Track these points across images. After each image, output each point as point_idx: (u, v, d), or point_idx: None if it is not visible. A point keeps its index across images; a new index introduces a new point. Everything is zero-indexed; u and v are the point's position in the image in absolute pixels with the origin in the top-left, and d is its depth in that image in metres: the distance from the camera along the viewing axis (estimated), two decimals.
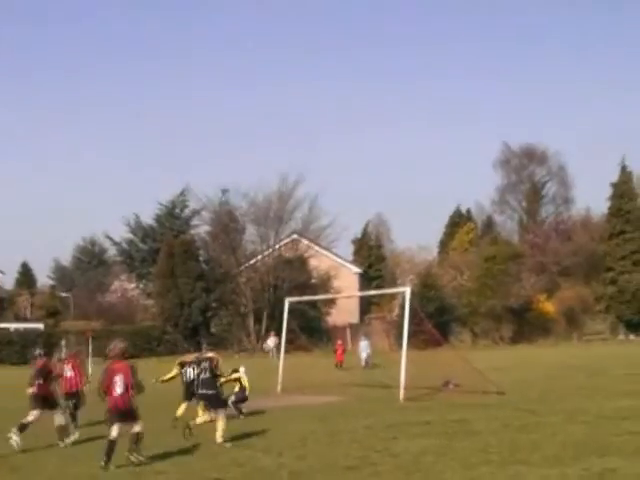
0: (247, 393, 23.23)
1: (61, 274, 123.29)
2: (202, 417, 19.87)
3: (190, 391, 22.15)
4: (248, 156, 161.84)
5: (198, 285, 75.73)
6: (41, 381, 19.20)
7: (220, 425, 18.25)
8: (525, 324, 79.88)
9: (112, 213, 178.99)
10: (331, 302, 77.49)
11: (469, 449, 15.73)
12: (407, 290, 30.04)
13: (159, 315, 77.55)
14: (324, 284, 79.51)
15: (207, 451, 16.82)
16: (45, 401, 19.20)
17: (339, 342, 51.30)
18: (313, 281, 79.90)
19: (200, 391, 19.17)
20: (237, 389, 23.38)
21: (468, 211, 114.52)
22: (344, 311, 77.97)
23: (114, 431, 15.74)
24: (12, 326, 77.07)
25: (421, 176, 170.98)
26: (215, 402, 18.77)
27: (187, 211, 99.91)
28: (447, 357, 34.76)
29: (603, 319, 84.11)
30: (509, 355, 56.35)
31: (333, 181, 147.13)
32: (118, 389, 15.78)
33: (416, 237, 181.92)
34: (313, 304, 72.23)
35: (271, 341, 37.62)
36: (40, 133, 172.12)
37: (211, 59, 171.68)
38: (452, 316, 77.12)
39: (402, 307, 44.23)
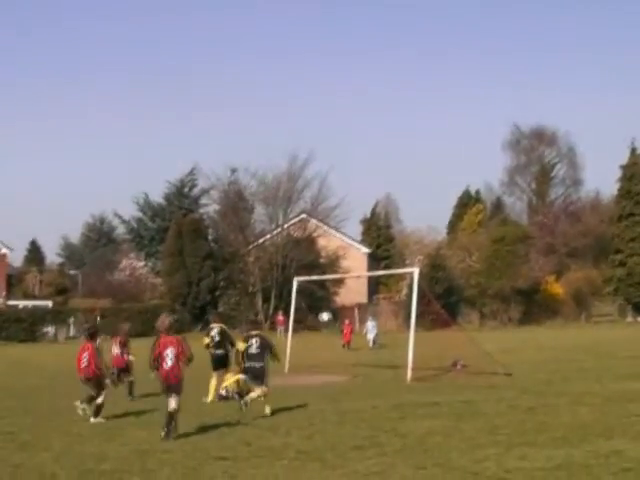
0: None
1: (70, 252, 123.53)
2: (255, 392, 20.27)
3: (215, 354, 22.67)
4: (257, 135, 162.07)
5: (206, 264, 75.90)
6: (85, 363, 19.23)
7: (257, 393, 18.98)
8: (533, 305, 79.99)
9: (121, 191, 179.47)
10: (339, 282, 77.59)
11: (476, 430, 15.73)
12: (415, 271, 30.02)
13: (167, 294, 77.81)
14: (332, 264, 79.62)
15: (214, 430, 16.84)
16: (89, 382, 19.28)
17: (347, 322, 51.17)
18: (321, 261, 79.96)
19: (247, 364, 19.46)
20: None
21: (477, 192, 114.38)
22: (352, 291, 78.07)
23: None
24: (21, 303, 77.33)
25: (430, 157, 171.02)
26: (260, 376, 19.22)
27: (196, 190, 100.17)
28: (455, 338, 34.70)
29: (611, 301, 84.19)
30: (517, 336, 56.36)
31: (342, 161, 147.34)
32: (168, 362, 16.12)
33: (425, 218, 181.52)
34: (321, 284, 72.33)
35: (325, 315, 37.65)
36: (50, 111, 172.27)
37: (222, 38, 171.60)
38: (460, 297, 77.26)
39: (410, 287, 44.22)
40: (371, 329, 49.14)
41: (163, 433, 15.75)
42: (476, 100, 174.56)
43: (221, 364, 22.76)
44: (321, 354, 41.02)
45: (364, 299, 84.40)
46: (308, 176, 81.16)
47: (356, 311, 73.29)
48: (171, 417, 15.94)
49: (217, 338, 22.95)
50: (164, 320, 16.88)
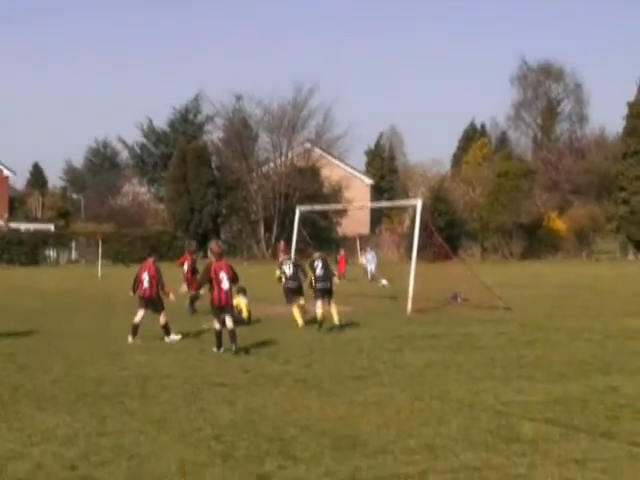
0: (245, 319, 22.69)
1: (72, 176, 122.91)
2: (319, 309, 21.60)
3: (288, 288, 23.27)
4: (263, 62, 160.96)
5: (209, 191, 75.83)
6: (146, 284, 19.47)
7: (335, 310, 21.20)
8: (535, 241, 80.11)
9: (125, 116, 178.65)
10: (342, 212, 77.52)
11: (474, 363, 15.81)
12: (418, 203, 29.87)
13: (170, 220, 77.85)
14: (335, 194, 79.50)
15: (214, 356, 16.91)
16: (150, 303, 19.54)
17: (341, 253, 50.54)
18: (324, 191, 79.81)
19: (319, 285, 21.32)
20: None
21: (482, 126, 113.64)
22: (355, 222, 78.03)
23: (217, 324, 17.38)
24: (22, 226, 77.27)
25: (437, 89, 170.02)
26: (331, 292, 21.42)
27: (200, 117, 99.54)
28: (456, 271, 34.69)
29: (613, 239, 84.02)
30: (518, 271, 56.42)
31: (348, 91, 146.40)
32: (224, 285, 17.26)
33: (429, 151, 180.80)
34: (324, 214, 72.34)
35: (385, 281, 37.85)
36: (55, 31, 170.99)
37: None
38: (462, 230, 77.25)
39: (413, 220, 44.08)
40: (370, 260, 48.71)
41: (234, 348, 16.96)
42: (485, 33, 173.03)
43: (296, 294, 23.05)
44: None
45: (366, 230, 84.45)
46: (313, 105, 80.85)
47: (358, 241, 73.29)
48: (233, 333, 17.16)
49: (291, 270, 23.37)
50: (219, 245, 17.93)
